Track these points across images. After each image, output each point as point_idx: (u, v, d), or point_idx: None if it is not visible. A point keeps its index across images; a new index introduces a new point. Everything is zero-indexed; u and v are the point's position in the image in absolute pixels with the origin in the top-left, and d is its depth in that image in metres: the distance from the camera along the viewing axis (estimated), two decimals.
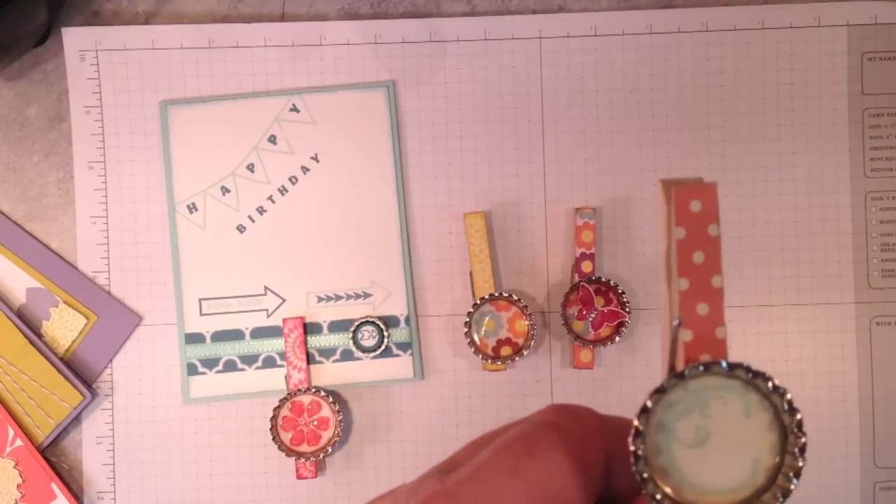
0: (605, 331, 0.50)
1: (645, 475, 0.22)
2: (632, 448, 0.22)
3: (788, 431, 0.23)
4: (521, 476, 0.22)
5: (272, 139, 0.51)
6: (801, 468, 0.22)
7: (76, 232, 0.51)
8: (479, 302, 0.49)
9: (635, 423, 0.22)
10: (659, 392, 0.23)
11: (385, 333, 0.50)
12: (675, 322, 0.23)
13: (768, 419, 0.23)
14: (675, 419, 0.23)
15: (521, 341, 0.50)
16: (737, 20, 0.51)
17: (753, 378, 0.23)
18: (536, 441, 0.23)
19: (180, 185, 0.51)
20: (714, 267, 0.23)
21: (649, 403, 0.23)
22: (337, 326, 0.51)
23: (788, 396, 0.22)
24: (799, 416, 0.22)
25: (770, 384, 0.22)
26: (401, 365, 0.51)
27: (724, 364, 0.22)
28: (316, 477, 0.50)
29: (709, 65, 0.51)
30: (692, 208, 0.23)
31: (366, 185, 0.51)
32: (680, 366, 0.23)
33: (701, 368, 0.23)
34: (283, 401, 0.50)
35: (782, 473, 0.23)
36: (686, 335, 0.23)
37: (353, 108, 0.51)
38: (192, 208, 0.51)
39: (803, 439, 0.22)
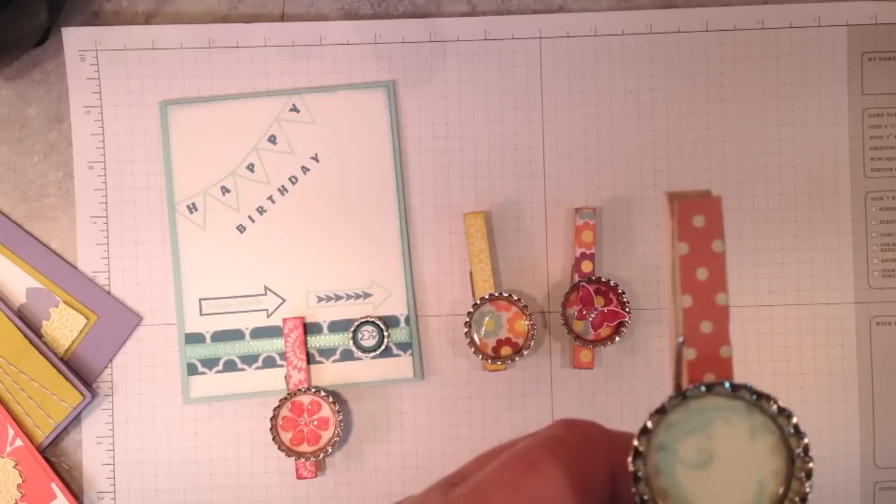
0: (605, 331, 0.50)
1: (646, 497, 0.22)
2: (631, 469, 0.22)
3: (795, 455, 0.22)
4: (523, 490, 0.22)
5: (272, 139, 0.51)
6: (807, 494, 0.22)
7: (76, 232, 0.51)
8: (479, 302, 0.49)
9: (635, 443, 0.22)
10: (660, 412, 0.22)
11: (385, 333, 0.50)
12: (680, 340, 0.23)
13: (774, 441, 0.22)
14: (678, 439, 0.22)
15: (521, 341, 0.50)
16: (737, 20, 0.51)
17: (758, 399, 0.22)
18: (539, 456, 0.23)
19: (180, 185, 0.51)
20: (719, 284, 0.22)
21: (650, 424, 0.22)
22: (337, 326, 0.51)
23: (794, 420, 0.22)
24: (806, 440, 0.22)
25: (775, 406, 0.22)
26: (401, 365, 0.51)
27: (727, 385, 0.22)
28: (316, 477, 0.50)
29: (709, 65, 0.51)
30: (695, 223, 0.22)
31: (366, 185, 0.51)
32: (685, 384, 0.23)
33: (703, 389, 0.22)
34: (283, 401, 0.50)
35: (788, 499, 0.22)
36: (690, 354, 0.22)
37: (353, 108, 0.51)
38: (192, 208, 0.51)
39: (810, 464, 0.22)
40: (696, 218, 0.22)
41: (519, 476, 0.22)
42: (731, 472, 0.22)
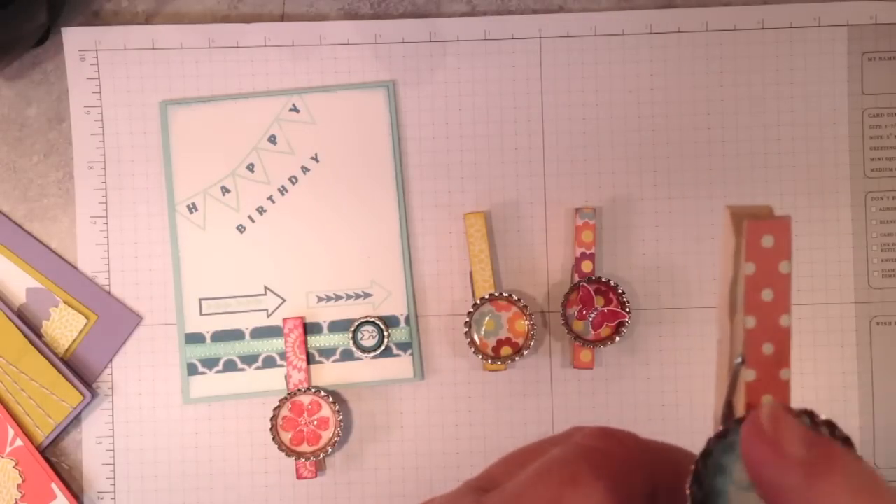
0: (605, 331, 0.50)
1: None
2: (687, 492, 0.22)
3: None
4: None
5: (272, 139, 0.51)
6: None
7: (76, 232, 0.51)
8: (479, 302, 0.49)
9: (693, 466, 0.22)
10: (721, 437, 0.22)
11: (385, 333, 0.50)
12: (738, 360, 0.22)
13: None
14: (734, 461, 0.22)
15: (521, 341, 0.50)
16: (737, 20, 0.51)
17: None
18: (580, 468, 0.22)
19: (180, 185, 0.51)
20: (783, 305, 0.22)
21: (711, 448, 0.22)
22: (337, 326, 0.51)
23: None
24: None
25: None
26: (401, 365, 0.51)
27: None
28: (316, 477, 0.50)
29: (709, 65, 0.51)
30: (764, 244, 0.22)
31: (366, 185, 0.51)
32: (740, 405, 0.22)
33: None
34: (283, 401, 0.50)
35: None
36: (749, 375, 0.22)
37: (353, 108, 0.51)
38: (192, 208, 0.51)
39: None
40: (766, 238, 0.22)
41: (560, 489, 0.22)
42: None
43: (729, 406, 0.23)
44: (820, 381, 0.51)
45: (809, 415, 0.22)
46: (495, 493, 0.23)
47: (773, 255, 0.22)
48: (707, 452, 0.22)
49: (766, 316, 0.22)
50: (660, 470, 0.23)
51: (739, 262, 0.22)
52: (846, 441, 0.22)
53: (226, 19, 0.51)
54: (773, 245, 0.22)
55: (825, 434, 0.22)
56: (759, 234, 0.22)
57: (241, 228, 0.51)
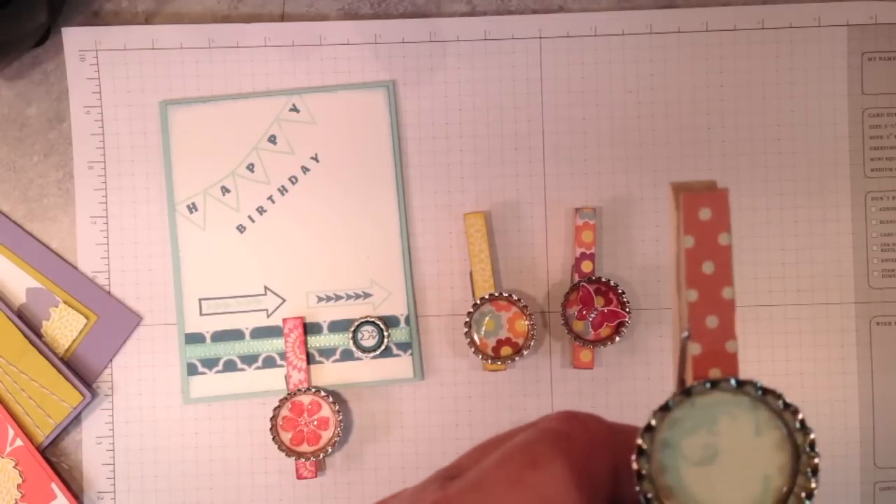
0: (605, 331, 0.50)
1: (650, 495, 0.22)
2: (635, 467, 0.22)
3: (801, 451, 0.22)
4: (524, 486, 0.22)
5: (272, 139, 0.51)
6: (813, 490, 0.21)
7: (76, 232, 0.51)
8: (479, 302, 0.49)
9: (638, 441, 0.22)
10: (664, 410, 0.22)
11: (385, 333, 0.50)
12: (684, 334, 0.22)
13: (779, 437, 0.22)
14: (682, 436, 0.22)
15: (521, 341, 0.50)
16: (737, 20, 0.51)
17: (764, 395, 0.22)
18: (541, 451, 0.22)
19: (180, 185, 0.51)
20: (725, 278, 0.22)
21: (653, 422, 0.22)
22: (337, 326, 0.51)
23: (801, 415, 0.22)
24: (812, 436, 0.22)
25: (781, 402, 0.22)
26: (401, 365, 0.51)
27: (733, 382, 0.22)
28: (316, 477, 0.50)
29: (709, 65, 0.51)
30: (702, 216, 0.22)
31: (366, 185, 0.51)
32: (689, 380, 0.22)
33: (708, 386, 0.22)
34: (283, 401, 0.50)
35: (794, 494, 0.22)
36: (695, 349, 0.22)
37: (353, 108, 0.51)
38: (192, 208, 0.51)
39: (816, 459, 0.21)
40: (703, 211, 0.22)
41: (520, 471, 0.22)
42: (735, 467, 0.22)
43: (682, 382, 0.23)
44: (820, 381, 0.51)
45: (756, 386, 0.22)
46: (459, 479, 0.23)
47: (712, 227, 0.22)
48: (649, 427, 0.22)
49: (708, 289, 0.22)
50: (623, 451, 0.23)
51: (680, 235, 0.22)
52: (795, 412, 0.22)
53: (226, 19, 0.51)
54: (711, 217, 0.22)
55: (778, 406, 0.22)
56: (696, 206, 0.22)
57: (241, 228, 0.51)
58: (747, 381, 0.22)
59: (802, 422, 0.22)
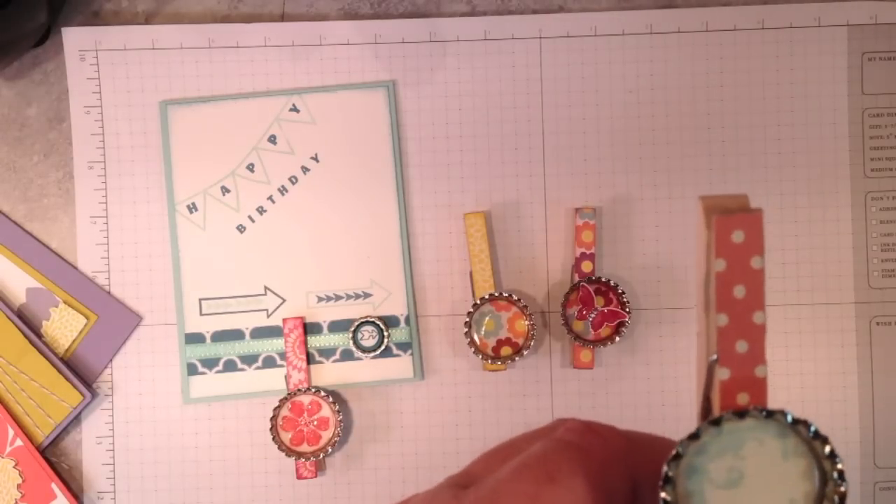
0: (605, 331, 0.50)
1: None
2: (662, 495, 0.21)
3: (828, 478, 0.21)
4: (541, 502, 0.21)
5: (272, 139, 0.51)
6: None
7: (76, 232, 0.51)
8: (479, 302, 0.49)
9: (665, 469, 0.21)
10: (692, 438, 0.22)
11: (385, 333, 0.50)
12: (713, 358, 0.22)
13: (805, 465, 0.22)
14: (708, 461, 0.22)
15: (521, 341, 0.50)
16: (737, 20, 0.51)
17: (794, 424, 0.21)
18: (559, 465, 0.22)
19: (180, 185, 0.51)
20: (756, 302, 0.21)
21: (681, 450, 0.21)
22: (337, 326, 0.51)
23: (829, 446, 0.21)
24: (840, 465, 0.21)
25: (811, 431, 0.21)
26: (401, 365, 0.51)
27: (763, 412, 0.21)
28: (316, 477, 0.50)
29: (709, 65, 0.51)
30: (735, 239, 0.21)
31: (366, 185, 0.51)
32: (716, 402, 0.22)
33: (739, 416, 0.21)
34: (283, 401, 0.50)
35: None
36: (723, 373, 0.22)
37: (353, 108, 0.51)
38: (192, 208, 0.51)
39: (843, 488, 0.21)
40: (736, 234, 0.21)
41: (537, 487, 0.22)
42: (761, 491, 0.21)
43: (707, 401, 0.23)
44: (820, 381, 0.51)
45: (786, 415, 0.21)
46: (473, 489, 0.23)
47: (745, 250, 0.21)
48: (677, 455, 0.21)
49: (738, 313, 0.21)
50: (641, 464, 0.23)
51: (710, 258, 0.21)
52: (825, 441, 0.21)
53: (226, 19, 0.51)
54: (744, 240, 0.21)
55: (804, 433, 0.21)
56: (729, 229, 0.21)
57: (241, 228, 0.51)
58: (777, 411, 0.21)
59: (832, 451, 0.21)
